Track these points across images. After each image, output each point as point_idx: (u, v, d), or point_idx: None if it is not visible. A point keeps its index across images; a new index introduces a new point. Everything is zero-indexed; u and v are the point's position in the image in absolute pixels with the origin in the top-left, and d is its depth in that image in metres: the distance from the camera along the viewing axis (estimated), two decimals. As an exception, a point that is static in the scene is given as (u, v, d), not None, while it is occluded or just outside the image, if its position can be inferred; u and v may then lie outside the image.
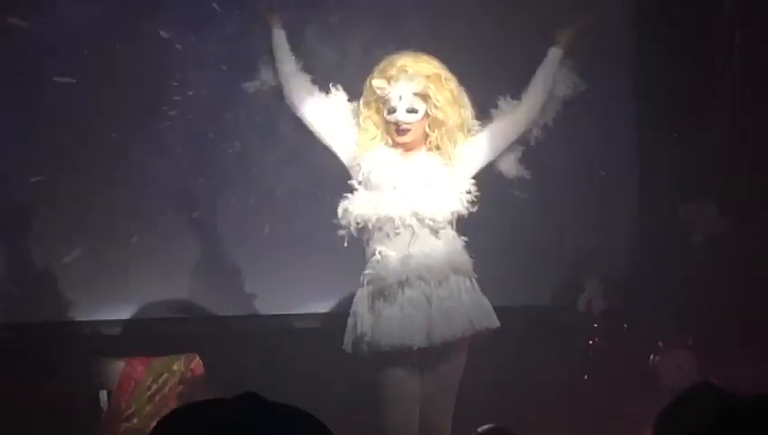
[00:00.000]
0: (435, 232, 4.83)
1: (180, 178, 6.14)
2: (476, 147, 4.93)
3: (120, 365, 5.65)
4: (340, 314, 5.05)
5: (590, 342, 6.08)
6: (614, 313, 6.08)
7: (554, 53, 5.02)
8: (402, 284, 4.76)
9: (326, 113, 4.93)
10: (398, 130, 4.81)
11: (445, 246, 4.83)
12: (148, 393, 5.61)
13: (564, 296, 6.18)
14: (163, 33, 6.10)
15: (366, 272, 4.83)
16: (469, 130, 4.90)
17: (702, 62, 6.41)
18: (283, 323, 6.12)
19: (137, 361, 5.68)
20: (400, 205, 4.78)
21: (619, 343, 6.00)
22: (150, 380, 5.63)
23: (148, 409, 5.62)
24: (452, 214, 4.85)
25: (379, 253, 4.79)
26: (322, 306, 6.10)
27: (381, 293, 4.77)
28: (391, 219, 4.78)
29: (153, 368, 5.64)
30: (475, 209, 4.85)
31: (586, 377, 5.97)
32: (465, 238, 4.92)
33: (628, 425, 5.66)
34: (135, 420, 5.62)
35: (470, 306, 4.85)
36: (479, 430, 3.99)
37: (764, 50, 6.32)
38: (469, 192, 4.89)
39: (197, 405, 1.85)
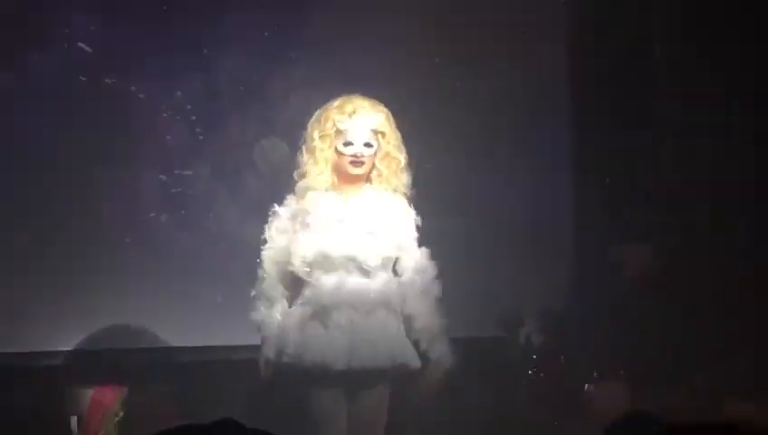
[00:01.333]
0: (368, 273, 5.10)
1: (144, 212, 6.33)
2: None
3: (89, 393, 5.81)
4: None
5: (530, 372, 6.31)
6: (552, 345, 6.34)
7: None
8: (332, 308, 5.03)
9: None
10: (354, 162, 5.09)
11: (379, 283, 5.11)
12: (117, 419, 5.78)
13: (505, 329, 6.42)
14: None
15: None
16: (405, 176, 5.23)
17: (637, 109, 6.70)
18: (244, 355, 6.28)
19: (106, 388, 5.85)
20: (346, 247, 5.05)
21: (556, 373, 6.25)
22: (119, 406, 5.80)
23: (116, 435, 5.84)
24: (388, 259, 5.13)
25: (316, 278, 5.06)
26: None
27: (314, 314, 5.03)
28: (335, 261, 5.04)
29: (123, 399, 5.81)
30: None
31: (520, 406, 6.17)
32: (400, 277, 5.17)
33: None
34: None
35: (394, 341, 5.09)
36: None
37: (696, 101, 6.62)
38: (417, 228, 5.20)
39: (177, 431, 1.97)
